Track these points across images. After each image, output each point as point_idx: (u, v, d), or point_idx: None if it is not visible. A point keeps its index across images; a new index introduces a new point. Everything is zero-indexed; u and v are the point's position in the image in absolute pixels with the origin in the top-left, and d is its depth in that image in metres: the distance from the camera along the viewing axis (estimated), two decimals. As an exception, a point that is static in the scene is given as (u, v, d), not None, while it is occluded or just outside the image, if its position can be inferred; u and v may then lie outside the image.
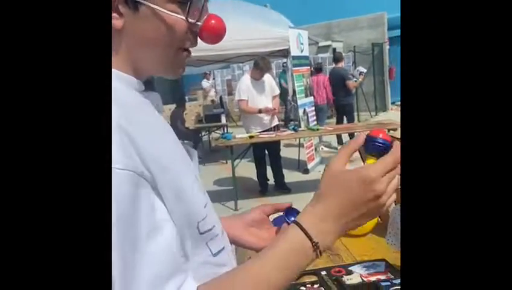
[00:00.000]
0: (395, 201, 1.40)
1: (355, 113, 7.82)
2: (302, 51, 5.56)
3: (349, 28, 11.62)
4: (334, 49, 10.96)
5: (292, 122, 5.87)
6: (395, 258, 1.24)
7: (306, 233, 0.52)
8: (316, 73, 6.83)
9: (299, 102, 5.34)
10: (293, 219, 0.57)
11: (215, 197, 4.34)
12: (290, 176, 5.05)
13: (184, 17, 0.54)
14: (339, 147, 6.79)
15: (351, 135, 5.79)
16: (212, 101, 9.52)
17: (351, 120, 6.57)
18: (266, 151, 4.69)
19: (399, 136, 1.59)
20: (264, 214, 0.74)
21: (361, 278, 1.13)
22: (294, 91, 5.44)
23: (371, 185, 0.51)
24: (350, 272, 1.17)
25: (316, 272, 1.18)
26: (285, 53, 5.54)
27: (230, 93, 10.10)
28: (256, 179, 4.82)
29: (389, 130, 1.82)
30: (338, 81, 6.49)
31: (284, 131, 4.73)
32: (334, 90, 6.61)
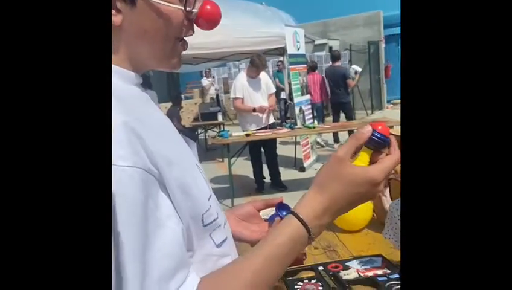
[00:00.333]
0: (392, 197, 1.38)
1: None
2: (298, 49, 5.57)
3: (345, 26, 11.64)
4: (331, 48, 10.98)
5: (288, 121, 5.88)
6: (391, 253, 1.25)
7: (305, 226, 0.53)
8: (311, 71, 6.84)
9: (296, 100, 5.35)
10: (285, 213, 0.58)
11: (212, 195, 4.34)
12: (287, 174, 5.06)
13: (181, 7, 0.55)
14: (336, 145, 6.81)
15: (350, 133, 5.83)
16: (212, 98, 9.50)
17: (350, 118, 6.58)
18: (262, 150, 4.70)
19: (397, 134, 1.60)
20: (256, 209, 0.75)
21: (358, 273, 1.14)
22: (290, 89, 5.45)
23: (376, 187, 0.54)
24: (347, 268, 1.18)
25: (313, 268, 1.19)
26: (281, 51, 5.55)
27: (227, 91, 10.09)
28: (252, 177, 4.83)
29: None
30: (338, 79, 6.49)
31: (280, 129, 4.74)
32: (332, 88, 6.61)
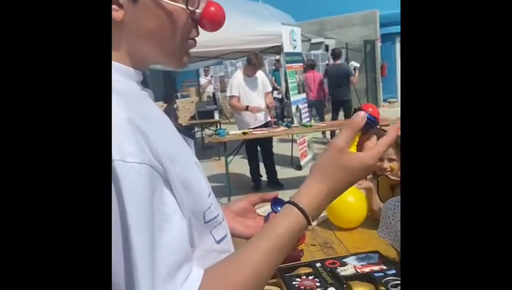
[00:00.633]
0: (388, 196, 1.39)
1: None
2: (295, 48, 5.57)
3: (341, 25, 11.66)
4: (327, 46, 11.00)
5: (285, 119, 5.88)
6: (387, 250, 1.27)
7: (306, 216, 0.55)
8: (310, 69, 6.88)
9: (292, 98, 5.36)
10: (279, 209, 0.59)
11: (209, 193, 4.34)
12: (283, 173, 5.07)
13: (184, 6, 0.54)
14: None
15: (332, 132, 5.87)
16: (209, 97, 9.48)
17: (348, 116, 6.62)
18: (259, 148, 4.71)
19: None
20: (251, 204, 0.76)
21: (355, 270, 1.16)
22: (287, 88, 5.46)
23: (370, 170, 0.57)
24: (344, 264, 1.20)
25: (311, 264, 1.20)
26: (278, 50, 5.55)
27: (223, 90, 10.07)
28: (249, 175, 4.84)
29: (381, 126, 1.84)
30: (340, 77, 6.52)
31: (277, 127, 4.75)
32: (333, 86, 6.64)
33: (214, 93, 9.53)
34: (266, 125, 4.71)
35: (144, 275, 0.44)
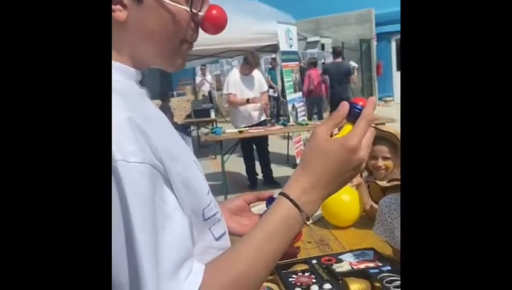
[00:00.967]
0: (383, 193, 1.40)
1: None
2: (291, 46, 5.57)
3: (337, 24, 11.67)
4: (323, 45, 11.02)
5: (281, 117, 5.90)
6: (383, 247, 1.28)
7: (294, 204, 0.54)
8: (313, 67, 6.98)
9: (288, 97, 5.36)
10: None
11: (205, 191, 4.34)
12: (279, 171, 5.08)
13: (187, 8, 0.55)
14: None
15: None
16: (204, 95, 9.46)
17: None
18: (254, 146, 4.72)
19: (389, 130, 1.62)
20: (246, 202, 0.77)
21: (351, 266, 1.17)
22: (283, 86, 5.47)
23: (356, 153, 0.54)
24: (340, 261, 1.21)
25: (307, 261, 1.21)
26: (274, 48, 5.55)
27: (219, 88, 10.04)
28: (245, 174, 4.85)
29: (376, 125, 1.86)
30: (341, 75, 6.55)
31: (272, 126, 4.76)
32: (333, 84, 6.67)
33: (210, 92, 9.51)
34: (261, 124, 4.72)
35: (148, 273, 0.45)
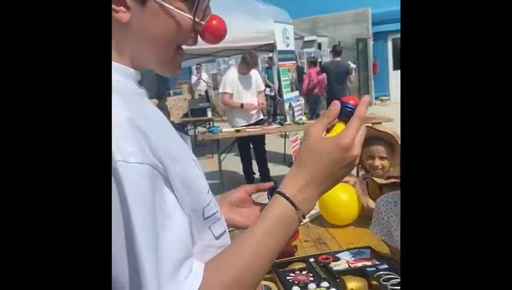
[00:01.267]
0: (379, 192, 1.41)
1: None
2: (288, 46, 5.58)
3: (334, 23, 11.69)
4: (320, 44, 11.03)
5: (278, 117, 5.91)
6: (379, 245, 1.29)
7: (291, 201, 0.55)
8: (313, 66, 7.00)
9: (285, 96, 5.36)
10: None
11: (202, 190, 4.33)
12: (276, 170, 5.09)
13: (191, 16, 0.56)
14: None
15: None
16: (200, 95, 9.43)
17: None
18: (251, 145, 4.72)
19: (385, 131, 1.63)
20: (246, 194, 0.77)
21: (348, 265, 1.18)
22: (280, 85, 5.47)
23: (349, 151, 0.55)
24: (337, 259, 1.22)
25: (304, 259, 1.21)
26: (271, 47, 5.55)
27: (216, 87, 10.03)
28: (242, 173, 4.85)
29: (373, 124, 1.87)
30: (341, 74, 6.56)
31: (269, 125, 4.76)
32: (332, 83, 6.68)
33: (206, 91, 9.49)
34: (258, 123, 4.72)
35: (150, 272, 0.45)
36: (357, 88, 10.92)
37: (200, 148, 7.02)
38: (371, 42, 11.46)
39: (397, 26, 10.37)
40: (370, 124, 1.87)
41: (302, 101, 5.78)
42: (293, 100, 5.66)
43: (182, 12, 0.55)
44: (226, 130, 4.57)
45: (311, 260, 1.21)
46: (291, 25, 5.83)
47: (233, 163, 5.29)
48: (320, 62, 9.23)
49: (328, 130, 0.58)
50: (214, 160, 5.18)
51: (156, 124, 0.53)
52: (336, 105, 0.58)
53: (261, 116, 4.84)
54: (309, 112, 7.12)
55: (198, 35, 0.60)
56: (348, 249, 1.29)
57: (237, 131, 4.42)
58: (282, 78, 5.39)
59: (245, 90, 4.55)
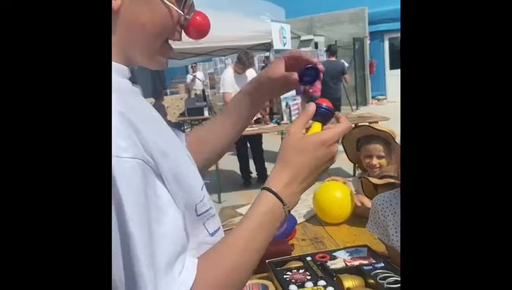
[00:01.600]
0: (375, 191, 1.40)
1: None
2: (284, 45, 5.58)
3: (330, 23, 11.69)
4: (317, 43, 11.03)
5: (275, 116, 5.90)
6: (376, 244, 1.29)
7: (278, 197, 0.58)
8: None
9: (282, 96, 5.37)
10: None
11: (199, 190, 4.33)
12: (273, 169, 5.09)
13: (179, 9, 0.57)
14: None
15: None
16: (196, 94, 9.41)
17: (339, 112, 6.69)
18: (248, 145, 4.72)
19: (383, 129, 1.63)
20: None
21: (345, 263, 1.18)
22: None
23: (330, 148, 0.60)
24: (334, 258, 1.22)
25: (301, 258, 1.22)
26: (267, 46, 5.55)
27: (213, 86, 10.02)
28: (239, 172, 4.85)
29: (370, 123, 1.87)
30: (336, 74, 6.56)
31: (266, 124, 4.76)
32: (327, 82, 6.68)
33: (203, 90, 9.47)
34: (255, 122, 4.72)
35: (146, 266, 0.45)
36: (354, 87, 10.93)
37: (196, 147, 7.01)
38: (367, 41, 11.47)
39: (394, 25, 10.41)
40: (367, 124, 1.87)
41: (299, 100, 5.77)
42: (290, 99, 5.67)
43: (171, 5, 0.56)
44: (222, 129, 4.56)
45: (308, 258, 1.21)
46: (288, 24, 5.83)
47: (230, 162, 5.28)
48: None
49: (305, 130, 0.62)
50: (211, 159, 5.17)
51: (149, 121, 0.54)
52: (312, 106, 0.63)
53: (258, 116, 4.84)
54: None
55: (183, 32, 0.61)
56: (344, 248, 1.29)
57: (234, 130, 4.41)
58: (279, 78, 5.39)
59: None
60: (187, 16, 0.59)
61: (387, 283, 1.01)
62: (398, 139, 1.59)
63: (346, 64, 7.36)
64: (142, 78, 8.87)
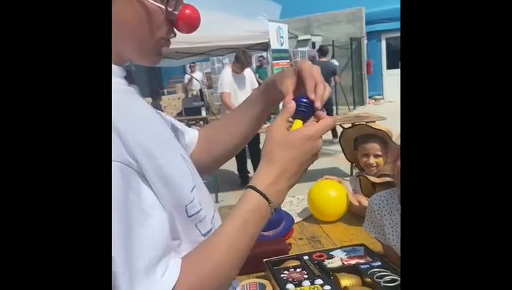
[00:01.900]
0: (372, 190, 1.41)
1: (334, 107, 7.99)
2: (282, 45, 5.59)
3: (328, 22, 11.71)
4: (314, 43, 11.04)
5: (272, 116, 5.92)
6: (373, 243, 1.30)
7: (263, 195, 0.57)
8: None
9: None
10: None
11: (196, 189, 4.33)
12: (270, 169, 5.10)
13: (162, 6, 0.56)
14: (335, 140, 6.91)
15: (333, 130, 5.92)
16: (192, 94, 9.40)
17: (331, 113, 6.68)
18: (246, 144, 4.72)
19: (380, 128, 1.63)
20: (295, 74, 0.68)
21: (342, 262, 1.18)
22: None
23: (315, 142, 0.59)
24: (331, 257, 1.22)
25: (298, 257, 1.22)
26: (265, 46, 5.55)
27: (210, 86, 10.00)
28: (236, 171, 4.85)
29: (367, 123, 1.88)
30: (327, 74, 6.57)
31: (264, 124, 4.77)
32: None
33: (201, 90, 9.46)
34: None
35: (121, 267, 0.45)
36: (351, 87, 10.95)
37: (194, 147, 7.00)
38: (364, 41, 11.49)
39: (391, 25, 10.43)
40: (364, 123, 1.88)
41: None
42: (287, 99, 5.67)
43: (154, 2, 0.55)
44: (220, 129, 4.56)
45: (305, 257, 1.21)
46: (286, 24, 5.84)
47: (227, 162, 5.28)
48: (312, 61, 9.24)
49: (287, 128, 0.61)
50: (208, 159, 5.17)
51: (136, 121, 0.53)
52: (292, 103, 0.61)
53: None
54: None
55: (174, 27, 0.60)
56: (341, 247, 1.29)
57: (231, 130, 4.40)
58: (276, 77, 5.39)
59: (240, 90, 4.55)
60: (174, 12, 0.58)
61: (384, 282, 1.02)
62: (394, 139, 1.60)
63: (336, 64, 7.36)
64: (139, 77, 8.86)
